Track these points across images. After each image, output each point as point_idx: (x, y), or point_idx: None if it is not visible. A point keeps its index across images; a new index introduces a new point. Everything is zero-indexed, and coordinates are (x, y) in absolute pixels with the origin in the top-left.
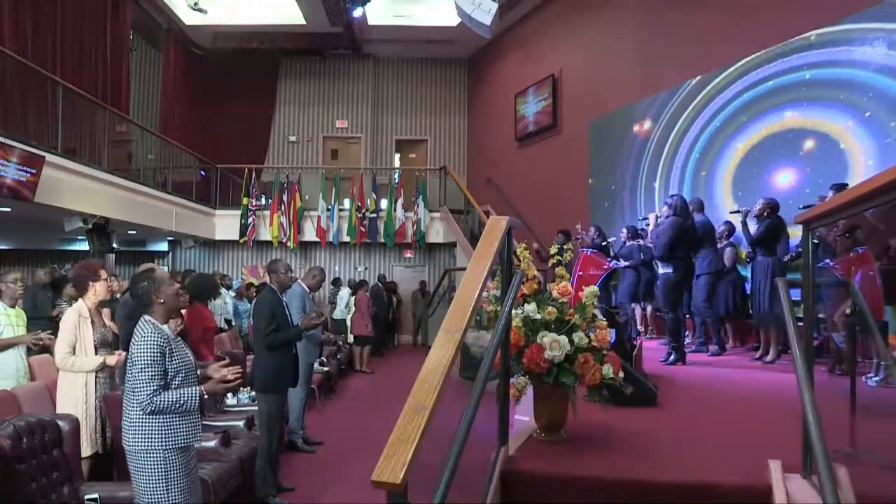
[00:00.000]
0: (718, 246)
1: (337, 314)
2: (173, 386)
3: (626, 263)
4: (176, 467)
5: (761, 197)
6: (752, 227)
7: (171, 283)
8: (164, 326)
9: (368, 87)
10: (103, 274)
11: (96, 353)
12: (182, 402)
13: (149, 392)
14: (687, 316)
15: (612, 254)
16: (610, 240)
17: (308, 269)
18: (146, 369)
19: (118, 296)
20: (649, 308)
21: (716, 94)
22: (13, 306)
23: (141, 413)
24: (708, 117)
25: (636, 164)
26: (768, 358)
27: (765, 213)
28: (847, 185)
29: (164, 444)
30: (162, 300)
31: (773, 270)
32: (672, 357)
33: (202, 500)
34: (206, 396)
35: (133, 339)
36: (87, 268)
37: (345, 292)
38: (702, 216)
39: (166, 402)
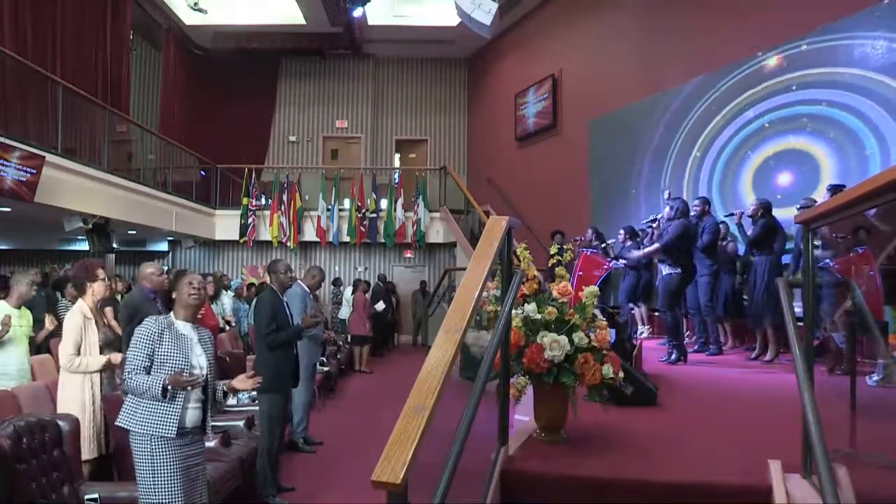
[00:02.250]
0: (720, 244)
1: (343, 314)
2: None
3: (625, 262)
4: (164, 458)
5: (756, 199)
6: (748, 229)
7: (190, 283)
8: (180, 323)
9: (368, 87)
10: (101, 274)
11: (100, 353)
12: (145, 388)
13: (127, 370)
14: (685, 316)
15: (611, 254)
16: (609, 241)
17: (307, 269)
18: (131, 350)
19: (118, 296)
20: (644, 308)
21: (733, 116)
22: (19, 307)
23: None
24: (735, 130)
25: (638, 164)
26: (767, 357)
27: (759, 214)
28: (844, 186)
29: (144, 429)
30: (173, 296)
31: (771, 270)
32: (674, 356)
33: (205, 501)
34: (168, 388)
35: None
36: (84, 268)
37: (349, 291)
38: (712, 217)
39: (134, 384)
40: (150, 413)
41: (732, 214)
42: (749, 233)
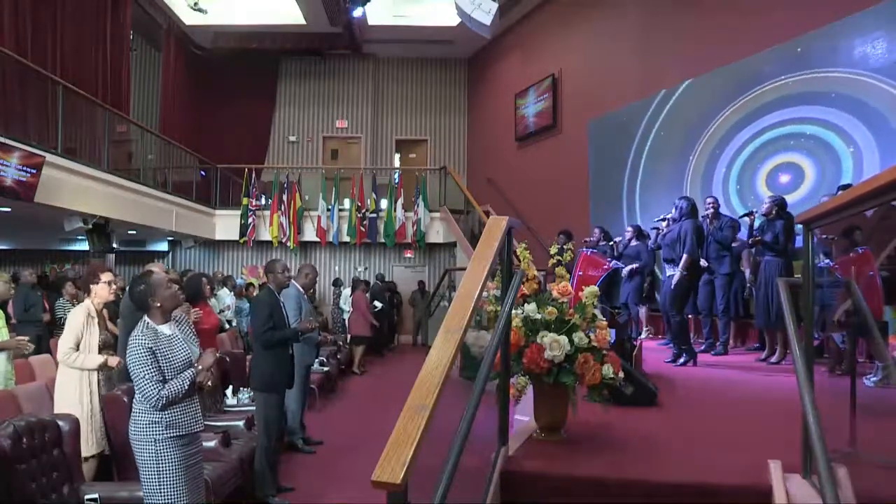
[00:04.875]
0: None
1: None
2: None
3: (633, 266)
4: (171, 461)
5: (768, 197)
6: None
7: (169, 286)
8: (163, 327)
9: (368, 87)
10: (104, 277)
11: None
12: (184, 385)
13: (155, 388)
14: (689, 316)
15: (616, 253)
16: (616, 239)
17: (299, 268)
18: (144, 369)
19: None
20: (644, 309)
21: (738, 129)
22: None
23: (151, 409)
24: (748, 137)
25: (638, 163)
26: (774, 358)
27: (773, 212)
28: (850, 185)
29: (162, 434)
30: (158, 303)
31: (781, 271)
32: (683, 359)
33: (202, 500)
34: (199, 368)
35: (129, 343)
36: (90, 271)
37: (348, 292)
38: (727, 217)
39: (174, 391)
40: (170, 417)
41: (746, 216)
42: (768, 238)
